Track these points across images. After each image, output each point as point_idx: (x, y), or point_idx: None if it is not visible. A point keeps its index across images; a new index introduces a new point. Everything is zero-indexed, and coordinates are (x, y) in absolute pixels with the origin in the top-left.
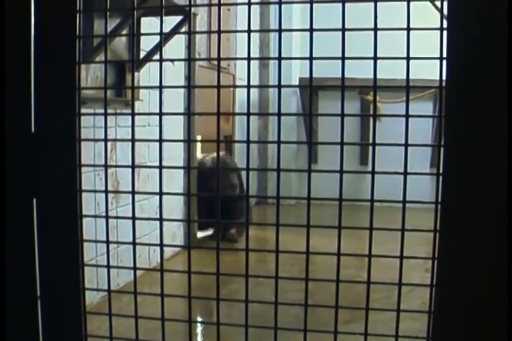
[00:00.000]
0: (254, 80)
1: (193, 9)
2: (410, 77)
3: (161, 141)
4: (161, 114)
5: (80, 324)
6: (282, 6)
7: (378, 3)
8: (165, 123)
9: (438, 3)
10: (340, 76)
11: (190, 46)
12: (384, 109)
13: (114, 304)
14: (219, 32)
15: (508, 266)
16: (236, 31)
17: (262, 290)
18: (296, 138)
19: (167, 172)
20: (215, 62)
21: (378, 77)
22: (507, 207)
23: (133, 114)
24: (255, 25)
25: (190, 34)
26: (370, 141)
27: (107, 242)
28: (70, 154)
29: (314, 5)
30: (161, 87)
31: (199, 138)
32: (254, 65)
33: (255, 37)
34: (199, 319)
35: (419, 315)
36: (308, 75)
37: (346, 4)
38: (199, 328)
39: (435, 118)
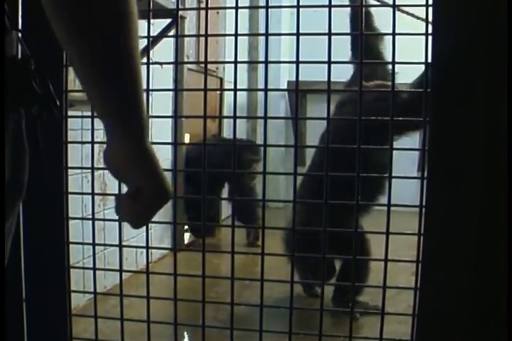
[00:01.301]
0: (243, 83)
1: (181, 12)
2: (399, 81)
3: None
4: (149, 117)
5: (66, 326)
6: (272, 9)
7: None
8: (153, 126)
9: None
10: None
11: (177, 49)
12: None
13: (101, 307)
14: (206, 35)
15: (508, 268)
16: (223, 35)
17: (250, 293)
18: (284, 142)
19: None
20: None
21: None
22: (507, 207)
23: None
24: (244, 28)
25: (178, 37)
26: None
27: (94, 244)
28: (57, 157)
29: (302, 9)
30: (148, 90)
31: (187, 136)
32: (243, 68)
33: (244, 40)
34: (186, 321)
35: (405, 318)
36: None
37: (333, 9)
38: (186, 331)
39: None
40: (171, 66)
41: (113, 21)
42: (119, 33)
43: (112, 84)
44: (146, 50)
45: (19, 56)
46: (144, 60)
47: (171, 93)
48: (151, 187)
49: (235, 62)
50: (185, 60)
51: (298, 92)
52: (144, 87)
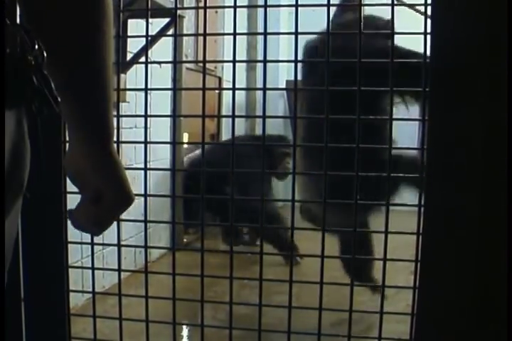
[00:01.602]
0: (242, 83)
1: (180, 11)
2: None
3: (146, 142)
4: (146, 116)
5: (65, 326)
6: (270, 9)
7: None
8: (152, 125)
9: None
10: None
11: (175, 48)
12: None
13: (100, 306)
14: (204, 35)
15: (508, 267)
16: (222, 34)
17: (248, 292)
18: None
19: (154, 174)
20: (202, 65)
21: None
22: (506, 207)
23: (118, 116)
24: (243, 27)
25: (176, 36)
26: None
27: (92, 244)
28: (55, 156)
29: (301, 9)
30: (146, 89)
31: (186, 135)
32: (242, 67)
33: (243, 39)
34: (185, 321)
35: (404, 317)
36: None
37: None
38: (184, 330)
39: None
40: (170, 66)
41: (85, 38)
42: (91, 50)
43: (82, 95)
44: (145, 50)
45: (19, 51)
46: (143, 59)
47: (169, 92)
48: (112, 190)
49: (234, 61)
50: (184, 59)
51: (297, 91)
52: (142, 86)
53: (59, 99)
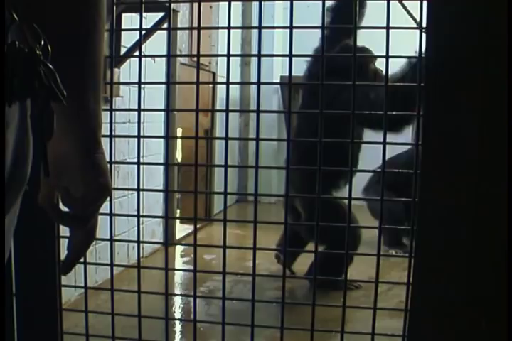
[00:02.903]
0: (236, 78)
1: (175, 6)
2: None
3: (139, 136)
4: (139, 110)
5: (56, 321)
6: (265, 3)
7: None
8: (146, 120)
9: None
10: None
11: (169, 42)
12: None
13: (93, 301)
14: (199, 28)
15: (508, 267)
16: (216, 28)
17: (242, 287)
18: (277, 136)
19: (147, 169)
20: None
21: None
22: (500, 203)
23: (111, 110)
24: (238, 23)
25: (170, 31)
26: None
27: None
28: (46, 151)
29: (296, 4)
30: (139, 83)
31: (180, 130)
32: (236, 62)
33: (237, 34)
34: (178, 316)
35: (397, 313)
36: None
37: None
38: (178, 325)
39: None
40: (164, 60)
41: (77, 31)
42: (83, 44)
43: (71, 87)
44: (139, 44)
45: (27, 46)
46: (137, 53)
47: (163, 87)
48: (91, 180)
49: (228, 56)
50: (178, 54)
51: (291, 86)
52: (136, 81)
53: (65, 93)
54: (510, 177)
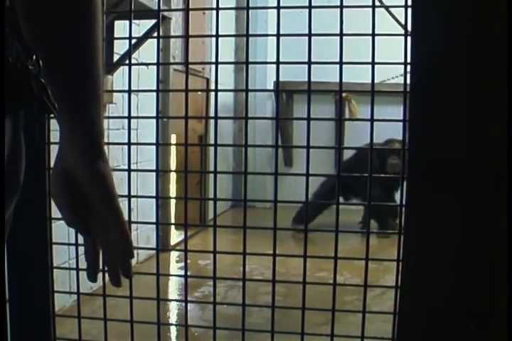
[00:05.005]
0: (230, 84)
1: (167, 13)
2: (391, 81)
3: (129, 144)
4: (129, 117)
5: (50, 327)
6: (259, 11)
7: (345, 10)
8: (141, 127)
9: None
10: (314, 80)
11: (158, 50)
12: (360, 111)
13: (87, 307)
14: (187, 36)
15: (508, 267)
16: (205, 36)
17: (236, 292)
18: (271, 142)
19: (141, 175)
20: (189, 66)
21: (353, 81)
22: (488, 207)
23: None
24: (231, 29)
25: (159, 38)
26: (346, 143)
27: (77, 245)
28: (39, 157)
29: (290, 11)
30: (130, 91)
31: (174, 136)
32: (230, 68)
33: (231, 41)
34: (173, 321)
35: (390, 316)
36: (283, 79)
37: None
38: (173, 331)
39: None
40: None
41: (75, 39)
42: (81, 51)
43: (72, 96)
44: (129, 51)
45: (20, 61)
46: (127, 60)
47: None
48: (98, 189)
49: (216, 63)
50: (172, 60)
51: (278, 93)
52: (126, 87)
53: (56, 106)
54: (510, 177)
